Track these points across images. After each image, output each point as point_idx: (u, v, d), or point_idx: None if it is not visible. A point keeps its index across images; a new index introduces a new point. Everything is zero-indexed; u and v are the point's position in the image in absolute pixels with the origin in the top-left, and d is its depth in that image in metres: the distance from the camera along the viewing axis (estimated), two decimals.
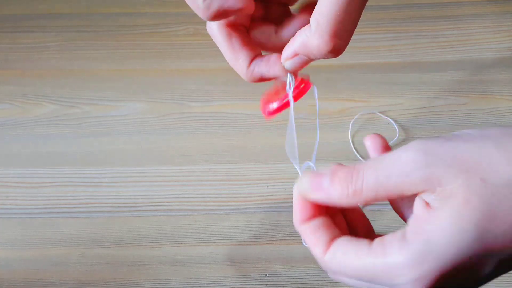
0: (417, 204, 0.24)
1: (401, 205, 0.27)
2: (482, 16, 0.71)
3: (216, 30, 0.29)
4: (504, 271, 0.23)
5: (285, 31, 0.29)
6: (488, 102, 0.63)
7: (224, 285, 0.51)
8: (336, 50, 0.25)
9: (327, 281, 0.51)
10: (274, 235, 0.54)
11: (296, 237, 0.53)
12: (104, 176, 0.58)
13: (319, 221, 0.27)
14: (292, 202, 0.55)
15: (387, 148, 0.30)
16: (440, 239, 0.22)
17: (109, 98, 0.65)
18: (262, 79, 0.30)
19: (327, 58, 0.26)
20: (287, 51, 0.27)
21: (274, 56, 0.29)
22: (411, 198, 0.26)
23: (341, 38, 0.25)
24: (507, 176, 0.22)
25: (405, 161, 0.23)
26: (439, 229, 0.22)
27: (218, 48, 0.64)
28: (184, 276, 0.52)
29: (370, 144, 0.30)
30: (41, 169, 0.59)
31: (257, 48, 0.29)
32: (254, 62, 0.29)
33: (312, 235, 0.26)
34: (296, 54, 0.27)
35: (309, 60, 0.27)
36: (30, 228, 0.55)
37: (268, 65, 0.29)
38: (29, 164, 0.60)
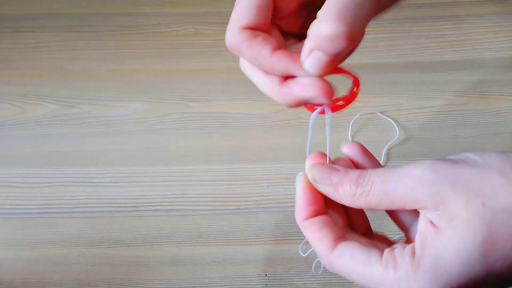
0: (422, 221, 0.25)
1: (400, 217, 0.28)
2: (482, 16, 0.71)
3: (248, 66, 0.28)
4: None
5: None
6: (488, 102, 0.63)
7: (224, 285, 0.51)
8: (348, 35, 0.23)
9: (327, 281, 0.51)
10: (274, 235, 0.54)
11: (296, 237, 0.53)
12: (104, 176, 0.58)
13: (324, 219, 0.28)
14: (292, 201, 0.55)
15: (367, 154, 0.30)
16: (446, 257, 0.23)
17: (109, 98, 0.65)
18: (298, 102, 0.27)
19: (344, 50, 0.24)
20: (303, 50, 0.25)
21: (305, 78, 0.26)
22: (411, 212, 0.27)
23: (349, 23, 0.23)
24: (505, 202, 0.23)
25: (413, 176, 0.25)
26: (445, 248, 0.23)
27: (218, 48, 0.65)
28: (184, 276, 0.52)
29: (349, 152, 0.30)
30: (41, 169, 0.59)
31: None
32: (286, 82, 0.27)
33: (319, 232, 0.27)
34: (311, 50, 0.25)
35: (329, 60, 0.25)
36: (30, 228, 0.55)
37: (300, 85, 0.26)
38: (29, 164, 0.60)
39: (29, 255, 0.53)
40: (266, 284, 0.51)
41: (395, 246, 0.26)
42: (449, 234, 0.23)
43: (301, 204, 0.28)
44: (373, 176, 0.26)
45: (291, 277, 0.51)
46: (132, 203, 0.56)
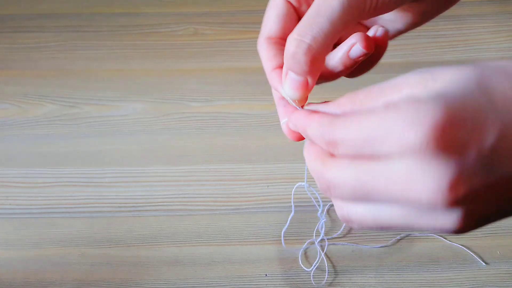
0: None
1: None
2: (482, 16, 0.71)
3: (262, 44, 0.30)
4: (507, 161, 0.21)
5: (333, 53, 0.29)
6: None
7: (224, 285, 0.51)
8: (307, 51, 0.26)
9: (327, 281, 0.51)
10: (274, 235, 0.54)
11: (296, 237, 0.53)
12: (104, 176, 0.58)
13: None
14: (292, 201, 0.54)
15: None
16: (438, 70, 0.23)
17: (109, 98, 0.65)
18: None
19: (310, 69, 0.26)
20: (282, 73, 0.28)
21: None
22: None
23: (309, 39, 0.26)
24: (495, 63, 0.22)
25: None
26: (436, 69, 0.23)
27: (218, 48, 0.65)
28: (184, 276, 0.52)
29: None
30: (41, 169, 0.59)
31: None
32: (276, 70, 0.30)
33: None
34: (286, 73, 0.28)
35: (302, 81, 0.27)
36: (30, 228, 0.55)
37: (282, 109, 0.30)
38: (29, 164, 0.60)
39: (29, 255, 0.53)
40: (266, 284, 0.51)
41: None
42: (440, 80, 0.23)
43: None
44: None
45: (291, 277, 0.51)
46: (132, 203, 0.56)
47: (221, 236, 0.54)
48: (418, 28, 0.70)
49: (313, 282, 0.51)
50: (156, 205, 0.56)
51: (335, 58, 0.28)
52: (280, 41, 0.30)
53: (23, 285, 0.52)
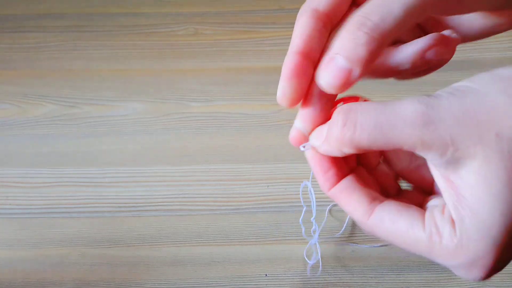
0: (437, 177, 0.23)
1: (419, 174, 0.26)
2: None
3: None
4: None
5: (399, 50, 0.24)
6: None
7: (224, 285, 0.51)
8: (375, 32, 0.21)
9: (327, 282, 0.51)
10: (274, 235, 0.54)
11: (296, 237, 0.53)
12: (104, 176, 0.58)
13: (350, 181, 0.25)
14: (292, 201, 0.54)
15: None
16: (483, 214, 0.21)
17: (109, 98, 0.65)
18: None
19: (366, 56, 0.22)
20: (326, 57, 0.23)
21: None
22: (408, 154, 0.26)
23: (378, 19, 0.22)
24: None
25: (407, 110, 0.21)
26: (478, 203, 0.21)
27: (218, 48, 0.65)
28: (184, 276, 0.52)
29: None
30: (41, 169, 0.59)
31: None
32: None
33: (349, 198, 0.24)
34: (331, 58, 0.22)
35: (348, 69, 0.22)
36: (30, 228, 0.55)
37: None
38: (29, 164, 0.60)
39: (29, 255, 0.53)
40: (266, 284, 0.51)
41: (432, 206, 0.24)
42: (473, 183, 0.20)
43: (319, 173, 0.25)
44: (359, 111, 0.22)
45: (291, 277, 0.51)
46: (132, 203, 0.56)
47: (221, 236, 0.54)
48: None
49: (312, 280, 0.51)
50: (156, 205, 0.56)
51: (404, 54, 0.24)
52: (327, 18, 0.24)
53: (23, 285, 0.52)
